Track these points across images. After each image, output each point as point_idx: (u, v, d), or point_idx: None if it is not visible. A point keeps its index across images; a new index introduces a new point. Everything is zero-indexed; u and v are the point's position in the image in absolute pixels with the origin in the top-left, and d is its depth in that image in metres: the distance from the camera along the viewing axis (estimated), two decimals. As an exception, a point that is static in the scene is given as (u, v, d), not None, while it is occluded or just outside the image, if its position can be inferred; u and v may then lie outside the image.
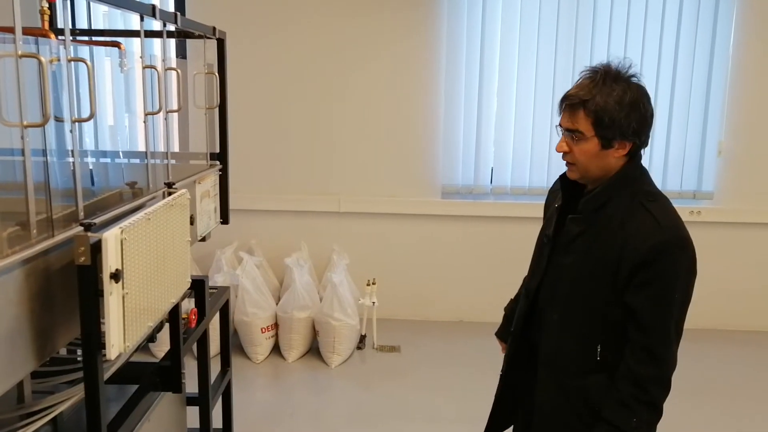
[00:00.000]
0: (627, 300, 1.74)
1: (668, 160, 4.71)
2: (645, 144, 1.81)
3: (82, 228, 1.47)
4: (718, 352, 4.50)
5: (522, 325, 2.05)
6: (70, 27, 3.55)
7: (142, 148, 2.20)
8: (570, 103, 1.76)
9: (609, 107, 1.70)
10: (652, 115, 1.78)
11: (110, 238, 1.45)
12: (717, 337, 4.72)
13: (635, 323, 1.74)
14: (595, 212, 1.80)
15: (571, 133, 1.77)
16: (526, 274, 2.14)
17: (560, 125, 1.81)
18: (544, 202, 2.14)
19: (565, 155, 1.82)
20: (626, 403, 1.75)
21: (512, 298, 2.29)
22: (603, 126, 1.72)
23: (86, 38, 2.90)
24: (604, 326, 1.80)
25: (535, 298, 1.99)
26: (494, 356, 2.33)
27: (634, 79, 1.77)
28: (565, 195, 1.93)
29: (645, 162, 5.13)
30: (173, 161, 2.37)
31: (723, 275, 4.80)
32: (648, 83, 4.82)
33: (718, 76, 4.60)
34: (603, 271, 1.77)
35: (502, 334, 2.28)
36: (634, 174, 1.81)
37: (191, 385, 2.45)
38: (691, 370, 4.15)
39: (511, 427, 2.21)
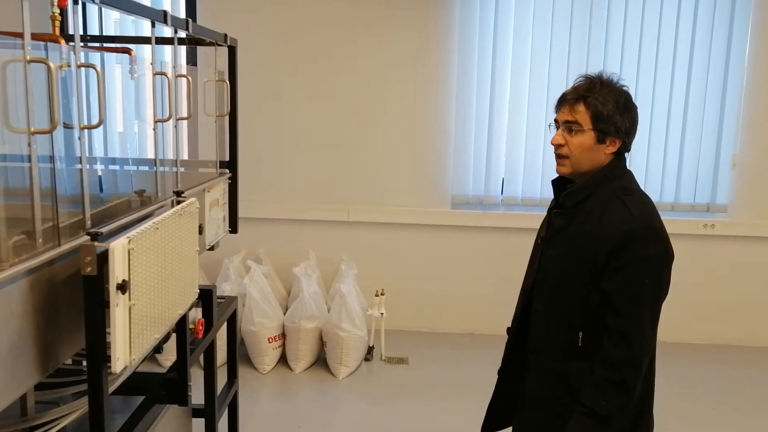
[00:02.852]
0: (603, 286, 1.83)
1: (682, 173, 4.66)
2: (629, 147, 1.93)
3: (88, 237, 1.43)
4: (736, 368, 4.42)
5: (518, 325, 2.10)
6: (81, 33, 3.53)
7: (151, 155, 2.17)
8: (570, 98, 1.88)
9: (607, 104, 1.84)
10: (638, 122, 1.92)
11: (117, 248, 1.41)
12: (734, 353, 4.64)
13: (610, 307, 1.83)
14: (576, 207, 1.90)
15: (569, 125, 1.88)
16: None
17: (556, 120, 1.93)
18: None
19: (559, 148, 1.91)
20: (598, 385, 1.83)
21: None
22: (601, 120, 1.84)
23: (97, 44, 2.88)
24: (585, 314, 1.88)
25: (529, 297, 2.06)
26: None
27: (624, 88, 1.91)
28: (557, 196, 2.02)
29: (658, 173, 5.04)
30: (182, 169, 2.34)
31: (737, 289, 4.73)
32: (662, 95, 4.80)
33: (733, 88, 4.55)
34: (583, 261, 1.86)
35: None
36: (616, 173, 1.91)
37: (197, 396, 2.41)
38: (710, 386, 4.11)
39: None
